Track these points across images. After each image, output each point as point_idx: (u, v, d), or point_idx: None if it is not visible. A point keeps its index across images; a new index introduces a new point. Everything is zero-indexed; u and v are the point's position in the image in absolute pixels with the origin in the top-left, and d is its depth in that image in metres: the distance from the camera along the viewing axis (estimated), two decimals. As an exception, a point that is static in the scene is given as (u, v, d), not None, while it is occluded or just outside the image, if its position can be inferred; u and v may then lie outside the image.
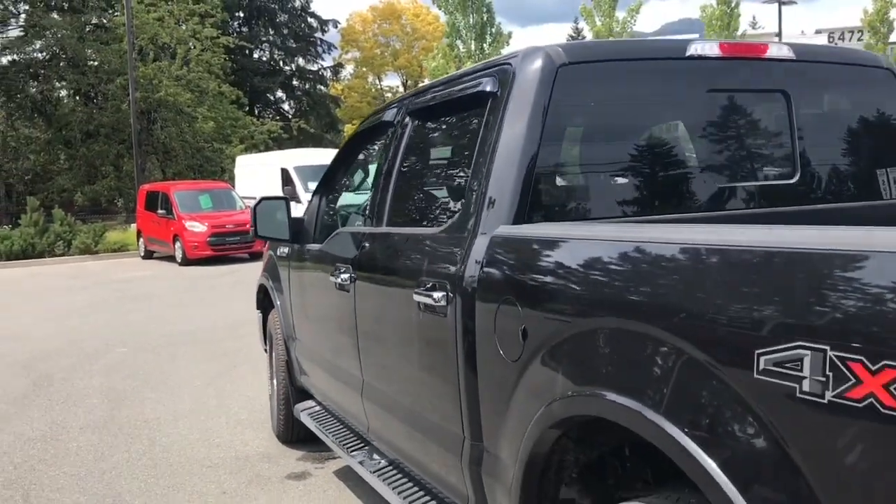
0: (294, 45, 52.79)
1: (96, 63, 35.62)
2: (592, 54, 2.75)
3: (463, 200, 2.75)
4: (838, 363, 1.34)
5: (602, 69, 2.72)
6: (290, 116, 50.21)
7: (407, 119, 3.43)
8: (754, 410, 1.50)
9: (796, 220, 2.73)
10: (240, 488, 4.46)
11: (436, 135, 3.36)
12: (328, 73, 55.16)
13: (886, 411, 1.26)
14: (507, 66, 2.72)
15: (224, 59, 37.62)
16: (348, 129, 59.02)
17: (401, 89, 53.52)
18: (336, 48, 55.29)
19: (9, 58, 36.03)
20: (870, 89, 3.12)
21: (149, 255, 20.64)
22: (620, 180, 2.75)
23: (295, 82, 53.42)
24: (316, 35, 53.90)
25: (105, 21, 37.00)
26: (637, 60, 2.78)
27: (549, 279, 2.17)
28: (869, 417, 1.29)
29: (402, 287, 3.00)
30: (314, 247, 4.19)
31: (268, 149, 34.93)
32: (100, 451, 5.20)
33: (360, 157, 4.25)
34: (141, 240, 21.10)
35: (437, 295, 2.66)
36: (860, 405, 1.30)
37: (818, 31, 70.20)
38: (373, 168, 3.94)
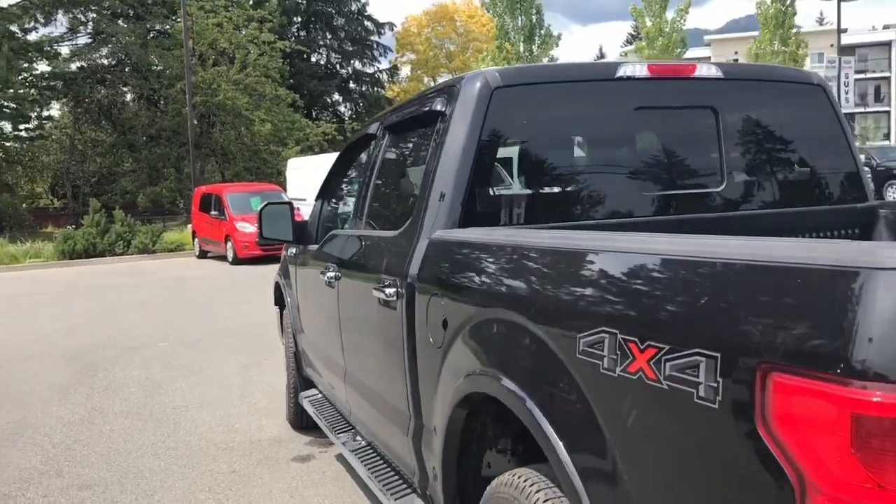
0: (351, 49, 53.65)
1: (160, 68, 36.87)
2: (526, 77, 3.05)
3: (415, 207, 3.09)
4: (623, 344, 1.65)
5: (535, 90, 3.03)
6: (346, 119, 51.02)
7: (384, 133, 3.80)
8: (577, 384, 1.83)
9: (717, 225, 3.01)
10: (248, 468, 4.88)
11: (402, 148, 3.71)
12: (384, 76, 55.90)
13: (650, 382, 1.58)
14: (453, 88, 3.06)
15: (281, 63, 38.51)
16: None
17: (455, 91, 53.86)
18: (392, 51, 56.06)
19: (77, 64, 37.58)
20: (800, 104, 3.36)
21: (203, 254, 21.42)
22: (551, 190, 3.06)
23: (351, 85, 54.29)
24: (372, 38, 54.68)
25: (167, 27, 38.26)
26: (569, 83, 3.08)
27: (459, 276, 2.51)
28: (639, 388, 1.61)
29: (368, 283, 3.36)
30: (313, 247, 4.58)
31: (322, 151, 35.67)
32: (130, 434, 5.68)
33: (353, 164, 4.62)
34: (196, 240, 21.90)
35: (389, 291, 3.01)
36: (634, 377, 1.62)
37: (887, 27, 68.49)
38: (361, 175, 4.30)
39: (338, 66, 53.78)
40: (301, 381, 5.22)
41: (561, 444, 1.86)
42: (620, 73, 3.06)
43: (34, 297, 14.53)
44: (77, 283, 16.39)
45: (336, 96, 53.61)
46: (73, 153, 37.11)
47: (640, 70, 3.08)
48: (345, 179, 4.75)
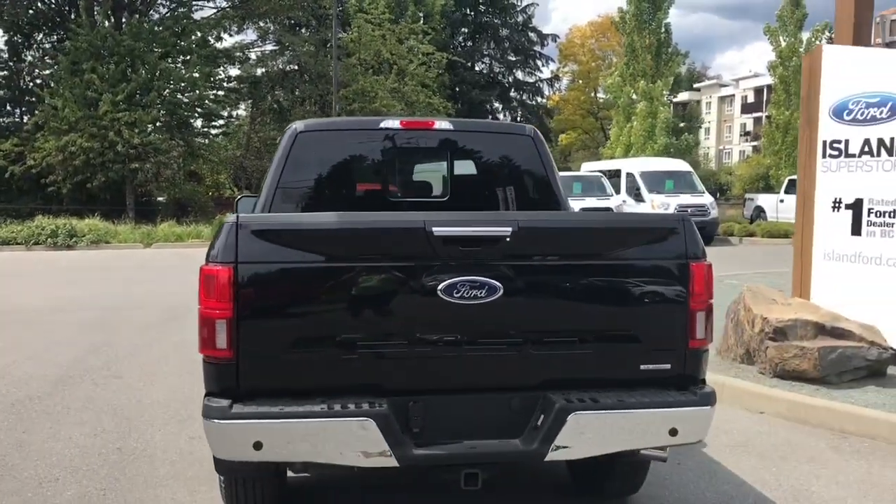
0: (513, 59, 55.90)
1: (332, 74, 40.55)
2: (320, 126, 5.05)
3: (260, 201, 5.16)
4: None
5: (325, 135, 5.01)
6: (503, 126, 53.02)
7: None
8: None
9: None
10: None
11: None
12: (544, 86, 57.80)
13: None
14: (286, 130, 5.11)
15: (438, 73, 41.16)
16: (562, 140, 61.21)
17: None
18: (553, 61, 57.77)
19: (261, 70, 42.15)
20: (512, 148, 5.10)
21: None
22: (329, 194, 5.05)
23: (512, 93, 56.53)
24: (535, 49, 56.65)
25: (339, 38, 41.96)
26: (347, 130, 5.05)
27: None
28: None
29: None
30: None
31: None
32: (168, 353, 8.12)
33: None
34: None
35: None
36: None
37: None
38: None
39: (500, 76, 56.15)
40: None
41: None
42: (382, 125, 4.99)
43: (176, 268, 17.74)
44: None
45: (496, 104, 55.99)
46: (248, 149, 41.54)
47: (395, 123, 4.99)
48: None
